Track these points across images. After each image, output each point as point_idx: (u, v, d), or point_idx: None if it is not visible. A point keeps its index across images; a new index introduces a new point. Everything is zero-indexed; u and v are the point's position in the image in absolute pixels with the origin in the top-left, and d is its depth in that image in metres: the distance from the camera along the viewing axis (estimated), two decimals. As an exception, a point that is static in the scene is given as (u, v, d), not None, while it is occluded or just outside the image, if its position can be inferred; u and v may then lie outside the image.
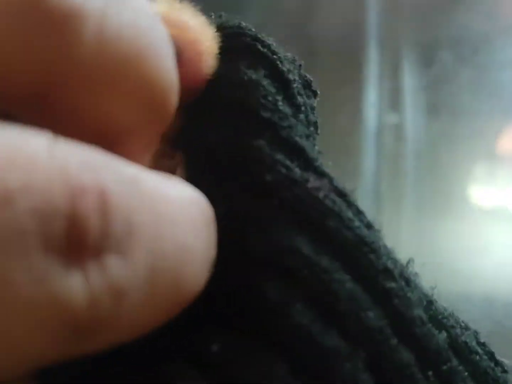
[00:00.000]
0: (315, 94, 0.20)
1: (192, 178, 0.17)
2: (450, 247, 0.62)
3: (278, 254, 0.16)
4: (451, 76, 0.67)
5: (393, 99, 0.70)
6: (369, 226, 0.17)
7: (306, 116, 0.19)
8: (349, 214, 0.17)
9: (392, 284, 0.16)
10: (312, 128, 0.19)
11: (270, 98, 0.18)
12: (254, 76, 0.18)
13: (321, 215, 0.16)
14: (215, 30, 0.18)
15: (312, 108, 0.20)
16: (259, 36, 0.19)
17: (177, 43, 0.17)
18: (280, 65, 0.19)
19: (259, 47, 0.19)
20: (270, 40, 0.19)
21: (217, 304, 0.16)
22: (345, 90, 0.68)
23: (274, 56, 0.19)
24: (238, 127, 0.17)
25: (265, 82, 0.18)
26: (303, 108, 0.19)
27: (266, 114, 0.17)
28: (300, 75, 0.20)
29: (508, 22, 0.74)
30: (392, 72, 0.69)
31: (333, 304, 0.15)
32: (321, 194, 0.16)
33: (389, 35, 0.69)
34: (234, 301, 0.16)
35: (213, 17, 0.19)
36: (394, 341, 0.15)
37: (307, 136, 0.18)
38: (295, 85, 0.19)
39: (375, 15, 0.70)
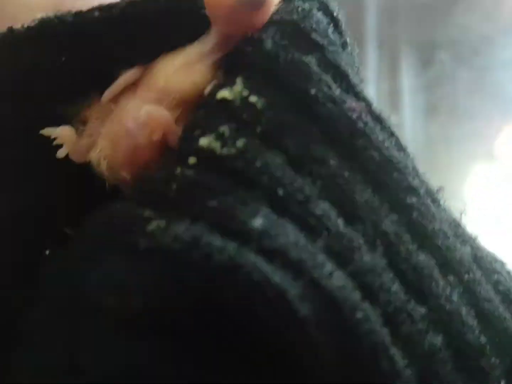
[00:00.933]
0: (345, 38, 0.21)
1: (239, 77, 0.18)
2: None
3: (308, 161, 0.17)
4: (449, 77, 0.67)
5: (391, 100, 0.70)
6: (400, 148, 0.18)
7: (351, 52, 0.20)
8: (380, 136, 0.18)
9: (413, 199, 0.17)
10: (356, 61, 0.20)
11: (321, 25, 0.19)
12: (307, 6, 0.19)
13: (351, 134, 0.17)
14: None
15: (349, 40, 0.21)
16: None
17: None
18: (331, 6, 0.20)
19: None
20: None
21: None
22: (343, 90, 0.67)
23: None
24: (291, 44, 0.18)
25: (318, 13, 0.19)
26: (349, 47, 0.20)
27: (317, 37, 0.19)
28: None
29: (507, 23, 0.74)
30: (390, 72, 0.69)
31: (353, 210, 0.17)
32: (354, 115, 0.18)
33: (388, 36, 0.69)
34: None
35: None
36: (412, 246, 0.17)
37: (351, 66, 0.19)
38: (343, 25, 0.20)
39: (374, 16, 0.70)
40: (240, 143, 0.17)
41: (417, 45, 0.68)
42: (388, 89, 0.71)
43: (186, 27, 0.19)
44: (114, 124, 0.20)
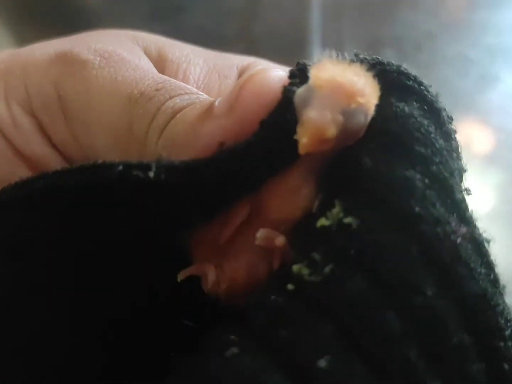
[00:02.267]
0: (451, 119, 0.20)
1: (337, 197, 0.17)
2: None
3: (404, 290, 0.16)
4: (394, 73, 0.67)
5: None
6: (494, 281, 0.17)
7: (456, 141, 0.19)
8: (478, 265, 0.17)
9: (501, 344, 0.17)
10: (460, 154, 0.19)
11: (423, 131, 0.18)
12: (406, 109, 0.18)
13: (453, 260, 0.16)
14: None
15: (455, 132, 0.20)
16: (402, 69, 0.20)
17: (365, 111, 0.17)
18: (428, 96, 0.19)
19: (406, 80, 0.19)
20: (413, 73, 0.20)
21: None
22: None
23: (422, 87, 0.19)
24: (392, 158, 0.17)
25: (417, 113, 0.18)
26: (453, 135, 0.19)
27: (420, 148, 0.17)
28: None
29: (450, 19, 0.75)
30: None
31: (442, 350, 0.16)
32: (458, 240, 0.17)
33: (332, 33, 0.69)
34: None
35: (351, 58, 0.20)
36: None
37: (458, 170, 0.18)
38: (444, 113, 0.19)
39: (318, 13, 0.70)
40: (327, 269, 0.16)
41: (361, 42, 0.68)
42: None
43: (281, 153, 0.18)
44: (233, 260, 0.20)
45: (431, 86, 0.20)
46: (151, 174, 0.18)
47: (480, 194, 0.54)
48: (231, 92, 0.19)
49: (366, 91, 0.17)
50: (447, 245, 0.16)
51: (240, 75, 0.25)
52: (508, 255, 0.45)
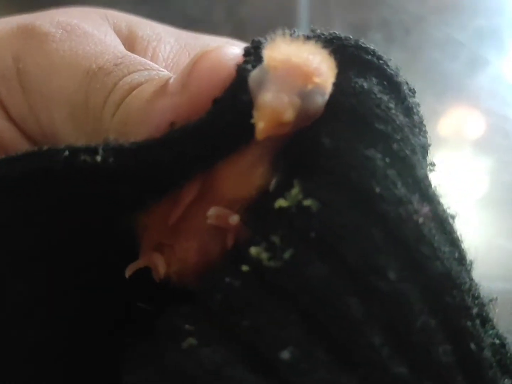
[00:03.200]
0: (413, 92, 0.20)
1: (294, 178, 0.17)
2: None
3: (367, 274, 0.15)
4: (383, 57, 0.67)
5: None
6: (460, 258, 0.17)
7: (418, 115, 0.19)
8: (442, 244, 0.16)
9: (468, 323, 0.16)
10: (424, 128, 0.19)
11: (382, 107, 0.17)
12: (365, 85, 0.18)
13: (416, 240, 0.16)
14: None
15: (418, 105, 0.19)
16: (361, 44, 0.19)
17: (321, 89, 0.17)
18: (388, 70, 0.19)
19: (364, 55, 0.19)
20: (372, 46, 0.19)
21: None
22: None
23: (381, 61, 0.19)
24: (352, 136, 0.17)
25: (376, 89, 0.18)
26: (415, 110, 0.19)
27: (380, 126, 0.17)
28: None
29: (439, 2, 0.74)
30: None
31: (406, 334, 0.15)
32: (420, 219, 0.16)
33: (320, 16, 0.68)
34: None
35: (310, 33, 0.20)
36: (459, 377, 0.16)
37: (420, 146, 0.18)
38: (405, 87, 0.19)
39: (305, -3, 0.69)
40: (287, 254, 0.16)
41: (350, 25, 0.67)
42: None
43: (234, 134, 0.18)
44: (183, 240, 0.19)
45: (390, 59, 0.20)
46: (99, 158, 0.17)
47: (472, 179, 0.53)
48: (185, 69, 0.19)
49: (323, 70, 0.17)
50: (410, 226, 0.16)
51: None
52: (500, 239, 0.45)
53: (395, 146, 0.17)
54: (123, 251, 0.20)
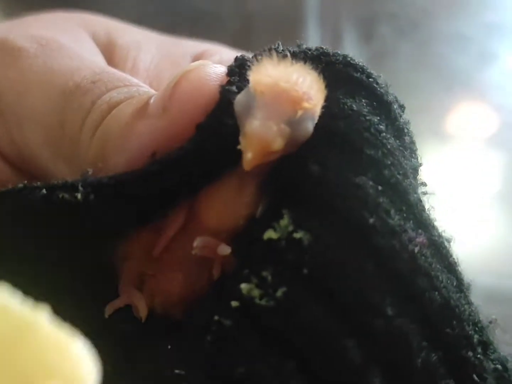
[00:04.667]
0: (403, 108, 0.19)
1: (285, 206, 0.16)
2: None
3: (362, 312, 0.15)
4: (391, 51, 0.67)
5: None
6: (458, 285, 0.16)
7: (409, 135, 0.18)
8: (440, 271, 0.16)
9: (470, 354, 0.16)
10: (414, 148, 0.18)
11: (372, 130, 0.17)
12: (354, 106, 0.17)
13: (411, 271, 0.15)
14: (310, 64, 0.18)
15: (408, 124, 0.19)
16: (350, 60, 0.18)
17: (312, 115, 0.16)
18: (378, 89, 0.18)
19: (353, 72, 0.18)
20: (361, 63, 0.19)
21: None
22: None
23: (370, 79, 0.18)
24: (341, 163, 0.16)
25: (366, 110, 0.17)
26: (405, 130, 0.18)
27: (370, 151, 0.16)
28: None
29: (447, -4, 0.74)
30: (332, 48, 0.68)
31: (407, 374, 0.15)
32: (416, 249, 0.16)
33: (329, 10, 0.68)
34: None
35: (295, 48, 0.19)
36: None
37: (412, 169, 0.17)
38: (395, 107, 0.18)
39: (314, -9, 0.69)
40: (279, 292, 0.15)
41: (358, 19, 0.67)
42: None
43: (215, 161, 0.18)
44: (167, 271, 0.19)
45: (380, 76, 0.19)
46: (79, 195, 0.17)
47: (483, 176, 0.53)
48: (166, 89, 0.18)
49: (312, 94, 0.16)
50: (405, 257, 0.16)
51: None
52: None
53: (386, 172, 0.16)
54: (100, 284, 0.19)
